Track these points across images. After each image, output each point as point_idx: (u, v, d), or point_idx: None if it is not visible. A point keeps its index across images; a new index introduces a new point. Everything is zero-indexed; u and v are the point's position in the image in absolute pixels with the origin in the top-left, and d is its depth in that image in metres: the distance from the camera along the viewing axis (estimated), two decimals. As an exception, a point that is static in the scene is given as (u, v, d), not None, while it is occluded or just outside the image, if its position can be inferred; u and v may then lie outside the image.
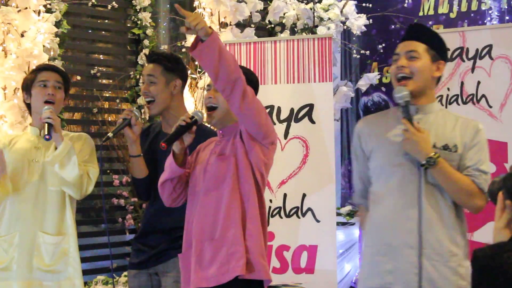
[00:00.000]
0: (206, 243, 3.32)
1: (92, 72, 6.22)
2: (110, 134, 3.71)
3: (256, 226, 3.31)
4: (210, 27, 3.07)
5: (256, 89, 3.43)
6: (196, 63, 6.32)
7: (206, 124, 3.96)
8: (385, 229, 3.41)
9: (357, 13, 7.24)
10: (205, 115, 3.51)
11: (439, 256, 3.32)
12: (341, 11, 7.16)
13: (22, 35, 5.04)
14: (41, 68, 4.06)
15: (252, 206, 3.31)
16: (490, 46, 5.20)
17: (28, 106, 4.06)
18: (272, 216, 5.55)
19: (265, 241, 3.38)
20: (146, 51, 6.28)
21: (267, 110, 5.60)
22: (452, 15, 7.31)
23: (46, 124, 3.81)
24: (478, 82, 5.21)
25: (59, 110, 4.08)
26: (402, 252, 3.34)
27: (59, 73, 4.05)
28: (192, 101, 6.17)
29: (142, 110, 5.97)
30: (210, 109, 3.42)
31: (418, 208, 3.33)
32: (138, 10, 6.37)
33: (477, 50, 5.22)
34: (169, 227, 3.91)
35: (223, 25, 6.43)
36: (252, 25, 6.73)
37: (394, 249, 3.36)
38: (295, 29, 7.16)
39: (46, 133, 3.79)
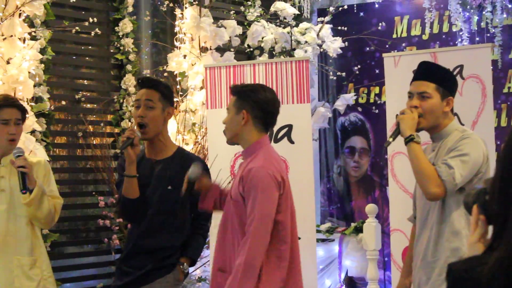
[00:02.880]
0: (219, 273, 3.59)
1: (76, 97, 6.27)
2: (118, 151, 3.87)
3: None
4: None
5: (268, 110, 3.61)
6: (178, 86, 6.45)
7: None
8: None
9: (333, 36, 7.40)
10: None
11: None
12: (318, 35, 7.31)
13: (8, 62, 5.05)
14: (1, 105, 4.06)
15: None
16: (461, 66, 5.34)
17: None
18: (254, 233, 5.64)
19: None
20: (129, 75, 6.37)
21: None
22: (425, 37, 7.47)
23: (20, 174, 3.90)
24: (451, 101, 5.37)
25: (18, 142, 4.16)
26: None
27: (18, 109, 4.11)
28: (175, 124, 6.27)
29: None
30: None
31: None
32: (120, 36, 6.44)
33: (448, 70, 5.37)
34: (154, 248, 3.95)
35: (204, 49, 6.54)
36: (232, 49, 6.85)
37: None
38: (273, 53, 7.28)
39: (21, 186, 3.90)
